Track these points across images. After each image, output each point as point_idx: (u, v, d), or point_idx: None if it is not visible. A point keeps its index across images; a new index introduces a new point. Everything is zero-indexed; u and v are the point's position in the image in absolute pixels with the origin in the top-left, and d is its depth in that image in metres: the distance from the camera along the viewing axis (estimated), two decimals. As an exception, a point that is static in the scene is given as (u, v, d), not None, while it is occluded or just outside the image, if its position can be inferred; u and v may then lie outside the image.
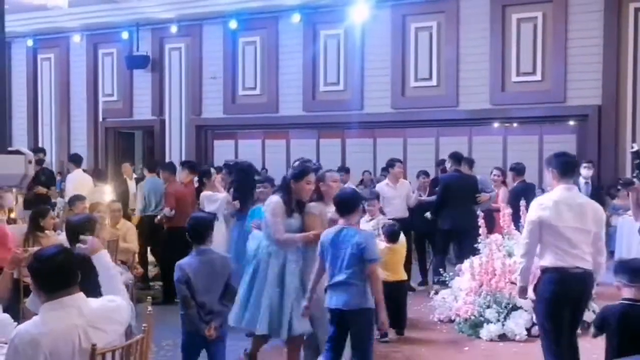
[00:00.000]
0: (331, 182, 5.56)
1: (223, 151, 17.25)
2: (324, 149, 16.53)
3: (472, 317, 6.90)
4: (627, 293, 3.99)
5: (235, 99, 16.34)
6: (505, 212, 7.85)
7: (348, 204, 4.77)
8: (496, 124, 15.18)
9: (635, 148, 5.48)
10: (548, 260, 4.78)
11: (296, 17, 15.14)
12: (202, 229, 4.63)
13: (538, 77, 13.52)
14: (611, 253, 8.81)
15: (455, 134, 15.33)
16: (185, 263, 4.66)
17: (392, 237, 6.89)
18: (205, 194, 7.52)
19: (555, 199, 4.81)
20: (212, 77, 16.44)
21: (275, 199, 5.27)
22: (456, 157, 9.98)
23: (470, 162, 10.55)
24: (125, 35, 16.77)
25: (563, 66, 13.22)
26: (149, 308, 3.91)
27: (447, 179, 9.84)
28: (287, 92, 15.67)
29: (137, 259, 7.86)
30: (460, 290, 7.37)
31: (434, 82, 14.44)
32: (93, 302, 3.28)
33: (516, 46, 13.68)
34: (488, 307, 6.83)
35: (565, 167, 4.96)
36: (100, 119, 17.56)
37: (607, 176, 12.58)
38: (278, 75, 15.81)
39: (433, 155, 15.15)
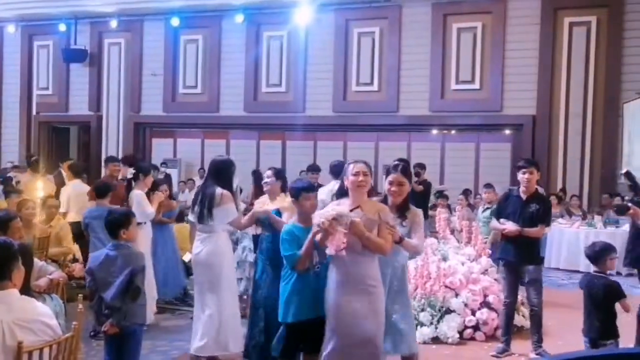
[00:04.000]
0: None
1: (161, 149, 17.02)
2: (265, 151, 16.51)
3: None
4: (595, 268, 5.21)
5: (175, 97, 16.12)
6: (441, 216, 7.97)
7: None
8: (435, 131, 15.44)
9: (625, 169, 5.69)
10: None
11: (239, 17, 15.05)
12: (116, 223, 4.51)
13: (476, 85, 13.81)
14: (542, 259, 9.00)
15: (394, 139, 15.52)
16: (94, 256, 4.56)
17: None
18: (139, 193, 7.09)
19: None
20: (153, 75, 16.18)
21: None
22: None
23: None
24: (62, 27, 16.36)
25: (500, 76, 13.55)
26: (80, 306, 3.81)
27: None
28: (229, 92, 15.55)
29: (69, 257, 7.62)
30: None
31: (375, 87, 14.57)
32: (27, 301, 3.19)
33: (456, 55, 13.94)
34: (422, 310, 6.90)
35: None
36: (34, 113, 17.04)
37: (539, 184, 12.91)
38: (220, 74, 15.68)
39: (373, 159, 15.30)
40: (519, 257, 6.04)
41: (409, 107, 14.22)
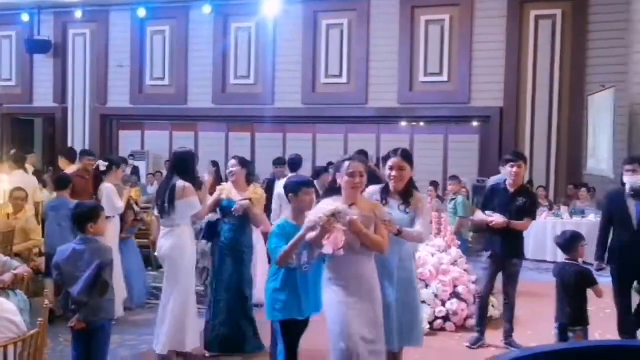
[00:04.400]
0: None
1: (129, 142, 16.82)
2: (233, 143, 16.42)
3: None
4: (566, 256, 5.36)
5: (142, 89, 15.92)
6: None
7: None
8: (404, 123, 15.49)
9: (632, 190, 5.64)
10: None
11: (207, 9, 14.89)
12: (83, 217, 4.43)
13: (444, 77, 13.88)
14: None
15: (364, 131, 15.54)
16: (60, 250, 4.45)
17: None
18: (109, 186, 7.00)
19: None
20: (119, 66, 15.95)
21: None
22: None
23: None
24: (25, 18, 16.03)
25: (468, 68, 13.64)
26: (46, 302, 3.74)
27: None
28: (197, 84, 15.40)
29: (35, 251, 7.48)
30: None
31: (344, 79, 14.56)
32: None
33: (424, 47, 13.99)
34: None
35: None
36: (-3, 105, 16.69)
37: (507, 176, 13.06)
38: (188, 66, 15.51)
39: (342, 151, 15.28)
40: (506, 249, 6.03)
41: (378, 99, 14.25)
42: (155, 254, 8.05)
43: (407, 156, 4.65)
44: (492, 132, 13.61)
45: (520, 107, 13.41)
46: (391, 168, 4.56)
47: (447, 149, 14.84)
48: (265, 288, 4.38)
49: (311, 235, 3.89)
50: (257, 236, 6.53)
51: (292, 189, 4.34)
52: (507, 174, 6.16)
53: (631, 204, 5.87)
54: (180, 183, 5.43)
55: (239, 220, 5.83)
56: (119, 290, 6.35)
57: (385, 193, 4.63)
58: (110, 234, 6.36)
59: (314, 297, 4.25)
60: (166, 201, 5.42)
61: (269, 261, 4.97)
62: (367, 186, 4.37)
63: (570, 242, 5.30)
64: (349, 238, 3.91)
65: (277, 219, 5.68)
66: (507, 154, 6.56)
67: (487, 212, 6.15)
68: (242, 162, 6.04)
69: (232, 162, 6.06)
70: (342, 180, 4.11)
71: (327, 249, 3.89)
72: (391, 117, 14.68)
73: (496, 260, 6.12)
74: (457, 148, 15.10)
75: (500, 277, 6.24)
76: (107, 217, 5.72)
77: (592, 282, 5.14)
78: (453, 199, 9.87)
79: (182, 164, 5.57)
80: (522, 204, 6.01)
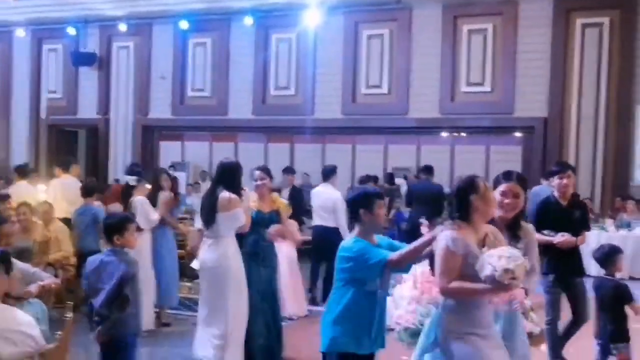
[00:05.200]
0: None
1: (169, 152, 16.95)
2: (273, 153, 16.41)
3: (412, 326, 6.79)
4: (604, 271, 5.20)
5: (183, 100, 16.04)
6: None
7: None
8: (444, 133, 15.26)
9: None
10: None
11: (248, 20, 14.94)
12: (110, 228, 4.39)
13: (487, 87, 13.62)
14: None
15: (404, 142, 15.36)
16: (90, 260, 4.41)
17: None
18: (141, 199, 6.96)
19: None
20: (161, 77, 16.11)
21: None
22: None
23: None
24: (71, 31, 16.33)
25: (511, 78, 13.35)
26: (69, 314, 3.70)
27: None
28: (237, 94, 15.44)
29: (70, 261, 7.52)
30: (402, 298, 7.26)
31: (384, 89, 14.41)
32: (7, 310, 3.08)
33: (466, 57, 13.76)
34: (428, 315, 6.74)
35: None
36: (43, 117, 17.02)
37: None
38: (228, 77, 15.57)
39: (381, 162, 15.15)
40: (570, 269, 5.55)
41: (419, 109, 14.05)
42: (193, 265, 8.04)
43: (523, 180, 4.15)
44: (536, 143, 13.29)
45: (564, 117, 13.06)
46: (504, 194, 3.97)
47: (488, 160, 14.56)
48: (324, 314, 3.96)
49: (484, 288, 3.31)
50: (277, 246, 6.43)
51: (364, 202, 3.81)
52: (555, 186, 5.76)
53: None
54: (225, 194, 5.36)
55: (264, 231, 5.76)
56: (148, 301, 6.31)
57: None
58: (143, 246, 6.35)
59: (380, 329, 3.87)
60: (212, 212, 5.35)
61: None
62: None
63: (608, 256, 5.16)
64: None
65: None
66: (553, 166, 6.20)
67: (544, 231, 5.48)
68: (269, 173, 5.97)
69: (258, 173, 5.98)
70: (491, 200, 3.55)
71: (500, 306, 3.46)
72: (432, 127, 14.48)
73: (562, 283, 5.61)
74: (499, 159, 14.78)
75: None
76: (140, 230, 5.71)
77: (629, 299, 4.99)
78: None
79: (228, 175, 5.48)
80: (579, 217, 5.66)
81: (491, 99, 13.58)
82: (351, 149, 15.81)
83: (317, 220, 8.91)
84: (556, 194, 5.73)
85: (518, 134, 14.46)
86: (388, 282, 3.84)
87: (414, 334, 6.94)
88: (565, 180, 5.67)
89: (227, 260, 5.38)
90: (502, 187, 4.04)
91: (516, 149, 14.47)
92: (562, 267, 5.50)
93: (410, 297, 7.17)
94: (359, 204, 3.82)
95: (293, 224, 7.82)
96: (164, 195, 7.20)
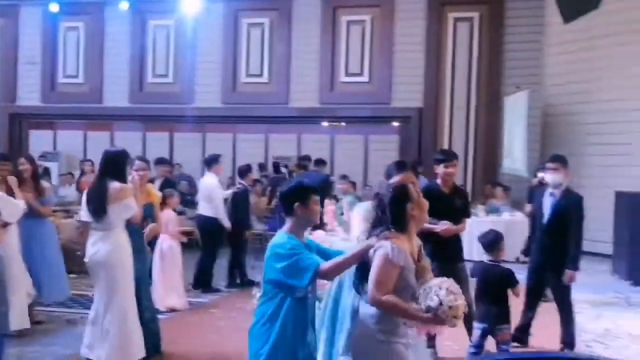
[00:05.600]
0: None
1: (40, 141, 16.11)
2: (151, 143, 15.98)
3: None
4: (488, 257, 5.35)
5: (54, 87, 15.30)
6: (329, 207, 7.91)
7: None
8: (325, 123, 15.44)
9: None
10: None
11: (124, 5, 14.41)
12: None
13: (365, 78, 13.90)
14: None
15: (285, 132, 15.40)
16: None
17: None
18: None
19: None
20: (30, 63, 15.28)
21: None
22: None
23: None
24: None
25: (389, 69, 13.70)
26: None
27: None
28: (112, 82, 14.91)
29: None
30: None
31: (265, 78, 14.39)
32: None
33: (345, 47, 13.98)
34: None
35: None
36: None
37: (427, 177, 13.19)
38: (103, 64, 15.00)
39: (263, 151, 15.13)
40: (452, 255, 5.58)
41: (299, 99, 14.14)
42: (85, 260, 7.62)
43: (415, 168, 4.01)
44: (412, 133, 13.71)
45: (439, 108, 13.57)
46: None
47: (367, 149, 14.88)
48: (253, 324, 3.56)
49: (419, 316, 3.22)
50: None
51: (300, 196, 3.51)
52: (440, 174, 5.74)
53: (547, 200, 5.95)
54: (116, 184, 5.12)
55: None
56: (20, 300, 5.97)
57: None
58: (12, 240, 5.99)
59: (313, 337, 3.56)
60: (102, 203, 5.10)
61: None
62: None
63: (493, 242, 5.30)
64: None
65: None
66: (439, 154, 6.13)
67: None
68: (149, 164, 5.80)
69: (140, 163, 5.80)
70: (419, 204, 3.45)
71: (421, 332, 3.34)
72: (312, 117, 14.59)
73: (443, 268, 5.51)
74: (377, 148, 15.14)
75: None
76: (7, 225, 5.41)
77: (514, 283, 5.17)
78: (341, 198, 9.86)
79: (115, 165, 5.24)
80: (460, 205, 5.74)
81: (369, 90, 13.87)
82: (232, 138, 15.67)
83: (199, 209, 8.93)
84: (439, 181, 5.76)
85: (395, 124, 14.87)
86: (316, 287, 3.59)
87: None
88: (450, 169, 5.70)
89: (119, 253, 5.17)
90: (397, 177, 4.05)
91: (394, 138, 14.86)
92: (443, 254, 5.44)
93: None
94: (294, 197, 3.51)
95: (169, 215, 7.66)
96: (12, 179, 6.53)
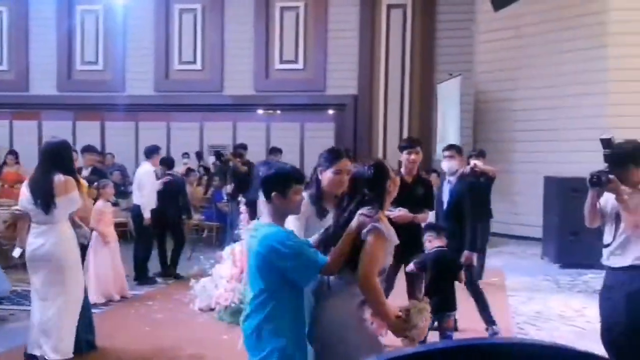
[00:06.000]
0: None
1: (-37, 132, 15.47)
2: (81, 132, 15.53)
3: (233, 305, 6.77)
4: (438, 243, 5.21)
5: (-23, 75, 14.70)
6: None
7: None
8: (260, 111, 15.34)
9: (607, 136, 4.79)
10: None
11: (49, -12, 13.96)
12: None
13: (300, 65, 13.88)
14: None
15: (220, 119, 15.23)
16: None
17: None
18: None
19: None
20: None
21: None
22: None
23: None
24: None
25: (323, 56, 13.70)
26: None
27: None
28: (39, 69, 14.44)
29: None
30: (221, 277, 7.22)
31: (198, 65, 14.19)
32: None
33: (279, 34, 13.91)
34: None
35: None
36: None
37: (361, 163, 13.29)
38: (28, 50, 14.49)
39: (197, 140, 14.93)
40: (408, 245, 5.14)
41: (234, 86, 14.01)
42: (14, 254, 7.32)
43: (349, 155, 4.03)
44: (347, 120, 13.78)
45: (373, 95, 13.67)
46: (339, 172, 3.80)
47: (303, 136, 14.87)
48: (243, 322, 3.33)
49: (391, 315, 3.13)
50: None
51: (278, 185, 3.17)
52: (403, 162, 5.63)
53: (445, 188, 6.09)
54: (60, 177, 4.92)
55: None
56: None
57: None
58: None
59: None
60: (46, 196, 4.90)
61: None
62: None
63: (443, 228, 5.30)
64: None
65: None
66: (403, 141, 6.04)
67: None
68: (76, 153, 5.63)
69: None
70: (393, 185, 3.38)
71: (380, 329, 3.19)
72: (247, 104, 14.49)
73: (397, 259, 5.63)
74: (313, 136, 15.12)
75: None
76: None
77: (460, 268, 5.24)
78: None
79: (58, 156, 5.04)
80: (422, 194, 5.62)
81: (304, 77, 13.85)
82: (166, 127, 15.39)
83: (134, 199, 8.82)
84: (402, 169, 5.65)
85: (331, 112, 14.90)
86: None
87: (235, 312, 6.94)
88: (413, 156, 5.59)
89: (65, 246, 5.01)
90: (335, 166, 3.89)
91: (329, 126, 14.90)
92: (400, 242, 5.45)
93: (230, 276, 7.18)
94: (272, 185, 3.19)
95: (104, 206, 7.48)
96: None
